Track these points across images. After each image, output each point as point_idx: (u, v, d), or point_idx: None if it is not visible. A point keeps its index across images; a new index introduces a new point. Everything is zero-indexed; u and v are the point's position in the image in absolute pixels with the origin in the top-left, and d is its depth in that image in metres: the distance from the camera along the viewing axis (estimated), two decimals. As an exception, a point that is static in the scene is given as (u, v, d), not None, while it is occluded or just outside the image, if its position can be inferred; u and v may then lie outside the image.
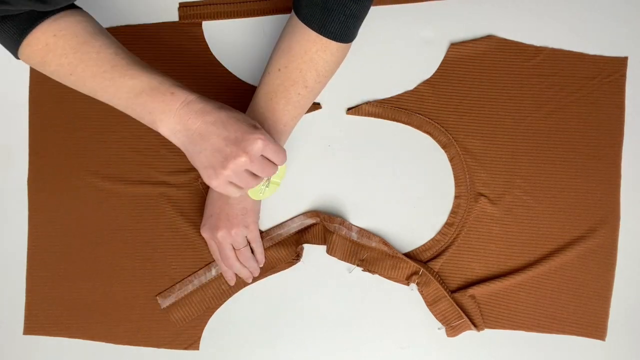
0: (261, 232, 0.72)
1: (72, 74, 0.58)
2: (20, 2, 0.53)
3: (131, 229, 0.73)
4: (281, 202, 0.73)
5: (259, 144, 0.56)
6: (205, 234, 0.68)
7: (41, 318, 0.73)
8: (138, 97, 0.57)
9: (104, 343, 0.72)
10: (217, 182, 0.57)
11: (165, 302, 0.72)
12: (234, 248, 0.68)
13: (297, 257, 0.72)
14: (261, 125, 0.63)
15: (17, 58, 0.60)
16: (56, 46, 0.58)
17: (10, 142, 0.74)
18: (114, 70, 0.57)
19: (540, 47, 0.74)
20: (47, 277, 0.73)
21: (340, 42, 0.62)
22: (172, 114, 0.57)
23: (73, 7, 0.61)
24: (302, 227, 0.73)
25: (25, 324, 0.73)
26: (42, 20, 0.57)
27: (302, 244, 0.72)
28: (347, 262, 0.72)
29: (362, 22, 0.63)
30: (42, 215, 0.74)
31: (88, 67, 0.57)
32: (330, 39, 0.62)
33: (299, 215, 0.73)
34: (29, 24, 0.57)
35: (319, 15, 0.60)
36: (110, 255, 0.73)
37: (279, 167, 0.61)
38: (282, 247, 0.72)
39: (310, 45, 0.62)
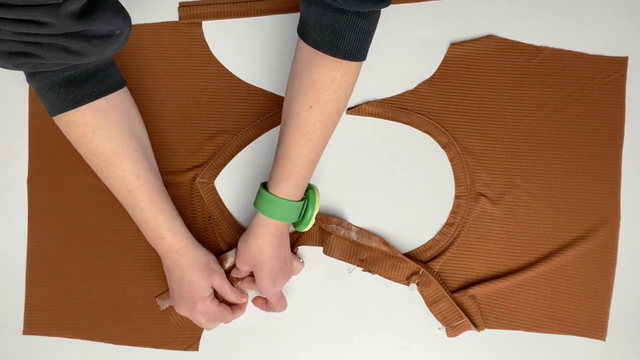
0: None
1: (96, 170, 0.65)
2: (55, 55, 0.54)
3: (131, 229, 0.72)
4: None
5: (199, 317, 0.67)
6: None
7: (41, 318, 0.73)
8: (137, 222, 0.66)
9: (103, 343, 0.72)
10: (184, 313, 0.68)
11: (164, 304, 0.72)
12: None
13: None
14: (305, 170, 0.64)
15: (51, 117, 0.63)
16: (92, 143, 0.62)
17: (10, 142, 0.74)
18: (129, 194, 0.64)
19: (540, 46, 0.74)
20: (47, 277, 0.73)
21: (358, 60, 0.61)
22: (158, 250, 0.67)
23: (116, 84, 0.63)
24: None
25: (24, 324, 0.73)
26: (86, 103, 0.61)
27: (297, 246, 0.72)
28: (347, 262, 0.72)
29: (372, 37, 0.61)
30: (42, 215, 0.73)
31: (110, 177, 0.64)
32: (348, 59, 0.60)
33: None
34: (75, 101, 0.60)
35: (330, 37, 0.59)
36: (110, 256, 0.73)
37: (314, 201, 0.68)
38: None
39: (334, 72, 0.61)
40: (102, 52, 0.57)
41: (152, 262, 0.72)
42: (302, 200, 0.67)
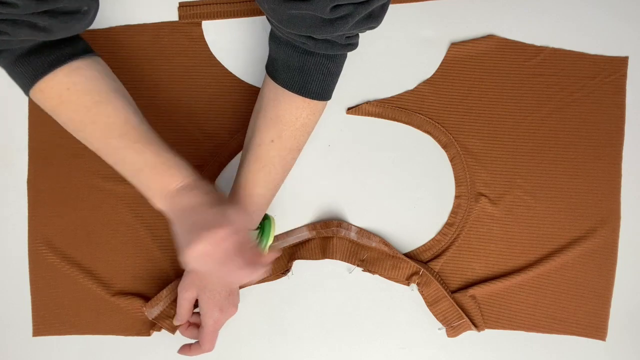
0: None
1: (82, 131, 0.59)
2: (21, 32, 0.52)
3: (131, 229, 0.73)
4: (280, 202, 0.72)
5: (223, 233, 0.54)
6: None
7: (49, 318, 0.72)
8: (139, 172, 0.58)
9: (113, 336, 0.72)
10: (190, 252, 0.54)
11: (152, 313, 0.70)
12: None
13: (287, 271, 0.72)
14: (260, 200, 0.64)
15: (28, 96, 0.59)
16: (69, 100, 0.58)
17: (10, 142, 0.74)
18: (121, 140, 0.58)
19: (540, 46, 0.74)
20: (50, 277, 0.73)
21: (324, 100, 0.63)
22: (167, 193, 0.58)
23: (86, 50, 0.60)
24: (298, 240, 0.72)
25: (33, 325, 0.73)
26: (57, 67, 0.57)
27: (296, 259, 0.72)
28: (348, 262, 0.72)
29: (338, 78, 0.63)
30: (42, 215, 0.73)
31: (97, 129, 0.58)
32: (315, 99, 0.61)
33: (296, 228, 0.72)
34: (43, 68, 0.57)
35: (298, 78, 0.60)
36: (111, 255, 0.73)
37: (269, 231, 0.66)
38: (274, 260, 0.72)
39: (300, 111, 0.62)
40: (70, 29, 0.56)
41: (153, 262, 0.72)
42: (256, 229, 0.67)
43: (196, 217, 0.55)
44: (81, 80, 0.58)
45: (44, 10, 0.51)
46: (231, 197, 0.65)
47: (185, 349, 0.68)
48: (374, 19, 0.54)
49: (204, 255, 0.53)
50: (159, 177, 0.58)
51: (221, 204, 0.57)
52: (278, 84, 0.61)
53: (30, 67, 0.56)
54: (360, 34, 0.60)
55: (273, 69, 0.62)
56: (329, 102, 0.74)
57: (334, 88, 0.64)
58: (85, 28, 0.58)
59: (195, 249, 0.53)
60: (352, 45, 0.59)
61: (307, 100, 0.61)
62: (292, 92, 0.61)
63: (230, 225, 0.54)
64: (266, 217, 0.69)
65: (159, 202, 0.58)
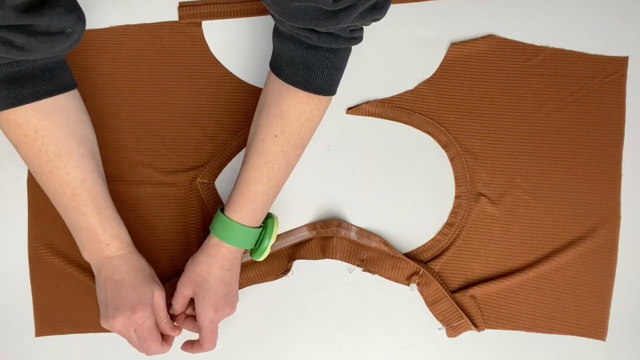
0: None
1: (37, 173, 0.61)
2: None
3: (131, 229, 0.72)
4: (280, 201, 0.72)
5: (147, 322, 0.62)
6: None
7: (51, 318, 0.72)
8: (79, 230, 0.62)
9: (115, 334, 0.72)
10: (114, 324, 0.61)
11: None
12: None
13: (287, 271, 0.72)
14: (262, 197, 0.64)
15: None
16: (33, 143, 0.59)
17: (9, 142, 0.74)
18: (72, 199, 0.61)
19: (540, 46, 0.74)
20: (51, 277, 0.73)
21: (329, 95, 0.62)
22: (96, 259, 0.63)
23: (63, 85, 0.60)
24: (298, 240, 0.72)
25: (36, 325, 0.72)
26: (29, 103, 0.57)
27: (295, 259, 0.72)
28: (347, 262, 0.72)
29: (343, 72, 0.63)
30: (42, 215, 0.73)
31: (53, 180, 0.61)
32: (320, 94, 0.61)
33: (296, 228, 0.72)
34: (16, 100, 0.57)
35: (302, 73, 0.59)
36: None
37: (272, 227, 0.67)
38: (274, 260, 0.72)
39: (304, 106, 0.61)
40: (49, 50, 0.55)
41: (152, 261, 0.72)
42: (259, 227, 0.66)
43: (121, 293, 0.61)
44: (50, 126, 0.59)
45: (24, 24, 0.50)
46: (233, 194, 0.65)
47: (187, 346, 0.68)
48: (378, 10, 0.53)
49: (121, 328, 0.61)
50: (95, 242, 0.62)
51: (146, 283, 0.63)
52: (282, 79, 0.61)
53: (2, 95, 0.56)
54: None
55: (277, 65, 0.62)
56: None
57: (338, 83, 0.63)
58: (67, 51, 0.58)
59: (116, 322, 0.61)
60: (357, 38, 0.58)
61: (312, 95, 0.61)
62: (297, 87, 0.60)
63: (149, 309, 0.61)
64: (269, 216, 0.69)
65: (89, 260, 0.64)
